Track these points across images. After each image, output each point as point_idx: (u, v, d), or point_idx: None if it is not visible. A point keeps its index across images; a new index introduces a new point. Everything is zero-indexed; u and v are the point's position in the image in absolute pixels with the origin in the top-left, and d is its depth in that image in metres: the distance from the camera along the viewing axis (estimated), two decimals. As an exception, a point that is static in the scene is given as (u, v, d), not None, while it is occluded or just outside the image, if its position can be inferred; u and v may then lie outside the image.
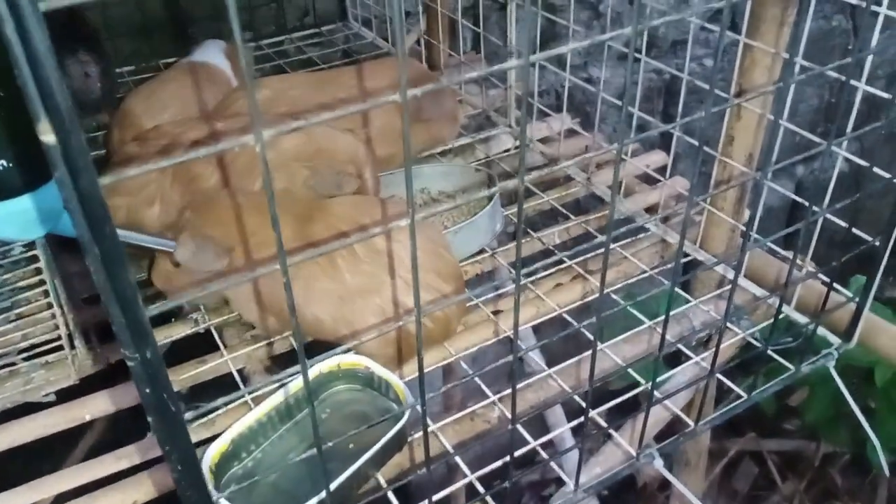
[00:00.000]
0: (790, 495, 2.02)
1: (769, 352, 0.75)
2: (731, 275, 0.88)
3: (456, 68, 1.25)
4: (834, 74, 0.61)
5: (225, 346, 0.81)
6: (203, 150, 0.28)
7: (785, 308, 0.82)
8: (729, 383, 0.75)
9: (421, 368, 0.43)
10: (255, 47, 1.42)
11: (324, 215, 0.73)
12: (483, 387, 0.75)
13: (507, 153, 1.13)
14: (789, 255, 0.88)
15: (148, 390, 0.33)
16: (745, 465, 2.13)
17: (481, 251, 0.92)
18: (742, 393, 0.72)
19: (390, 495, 0.62)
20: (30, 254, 0.79)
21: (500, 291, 0.88)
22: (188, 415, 0.35)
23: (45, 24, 0.24)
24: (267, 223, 0.68)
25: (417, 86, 0.33)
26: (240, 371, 0.79)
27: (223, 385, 0.80)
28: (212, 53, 1.08)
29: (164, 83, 1.03)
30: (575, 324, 0.73)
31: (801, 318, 0.81)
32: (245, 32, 1.45)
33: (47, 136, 0.26)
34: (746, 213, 0.89)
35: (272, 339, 0.80)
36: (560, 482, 0.70)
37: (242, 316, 0.80)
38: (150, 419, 0.34)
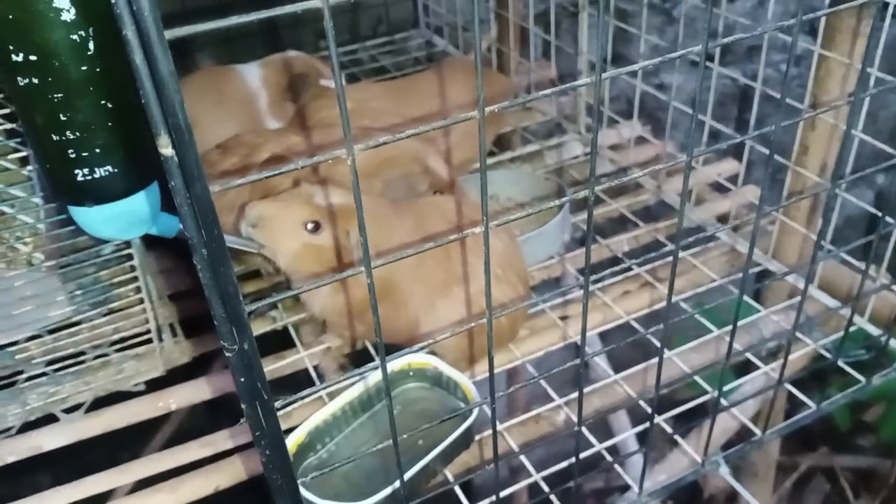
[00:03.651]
0: (864, 514, 1.96)
1: (840, 364, 0.75)
2: (802, 284, 0.88)
3: (527, 75, 1.27)
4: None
5: (301, 344, 0.85)
6: (301, 162, 0.31)
7: (858, 319, 0.81)
8: (798, 394, 0.74)
9: (491, 365, 0.45)
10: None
11: (437, 211, 0.77)
12: (549, 390, 0.77)
13: (576, 160, 1.14)
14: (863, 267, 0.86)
15: (243, 379, 0.36)
16: (817, 482, 2.07)
17: (549, 257, 0.93)
18: (811, 404, 0.72)
19: (457, 489, 0.64)
20: (124, 253, 0.84)
21: (567, 297, 0.89)
22: (278, 403, 0.38)
23: (169, 52, 0.27)
24: (384, 228, 0.71)
25: (494, 93, 0.35)
26: (315, 368, 0.83)
27: (298, 381, 0.84)
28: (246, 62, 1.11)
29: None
30: (642, 331, 0.74)
31: (875, 330, 0.80)
32: (320, 41, 1.49)
33: (166, 149, 0.29)
34: (820, 223, 0.88)
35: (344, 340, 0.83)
36: (623, 491, 0.71)
37: (330, 322, 0.82)
38: (243, 406, 0.37)
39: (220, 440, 0.76)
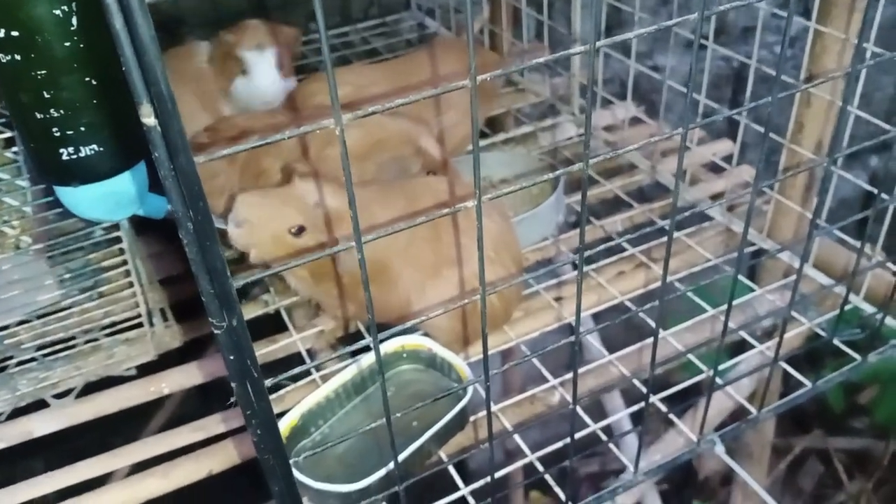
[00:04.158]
0: (857, 494, 1.97)
1: (836, 342, 0.74)
2: (797, 264, 0.87)
3: (519, 56, 1.25)
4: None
5: (294, 327, 0.84)
6: (287, 132, 0.30)
7: (853, 298, 0.81)
8: (794, 372, 0.74)
9: (485, 342, 0.44)
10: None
11: (429, 191, 0.76)
12: (543, 371, 0.77)
13: (570, 141, 1.14)
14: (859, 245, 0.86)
15: (232, 357, 0.35)
16: (811, 464, 2.08)
17: (542, 239, 0.93)
18: (806, 382, 0.72)
19: (451, 469, 0.64)
20: (112, 235, 0.83)
21: (561, 278, 0.89)
22: (268, 382, 0.37)
23: (150, 16, 0.26)
24: (373, 216, 0.70)
25: (488, 70, 0.35)
26: (308, 351, 0.82)
27: (291, 365, 0.83)
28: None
29: None
30: (636, 310, 0.73)
31: (870, 308, 0.80)
32: (310, 23, 1.48)
33: (149, 119, 0.28)
34: (815, 202, 0.88)
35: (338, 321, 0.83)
36: (618, 475, 0.70)
37: (323, 304, 0.81)
38: (233, 385, 0.37)
39: (212, 424, 0.75)
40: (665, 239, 0.90)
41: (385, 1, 1.54)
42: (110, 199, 0.56)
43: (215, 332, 0.35)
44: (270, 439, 0.39)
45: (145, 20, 0.26)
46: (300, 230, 0.68)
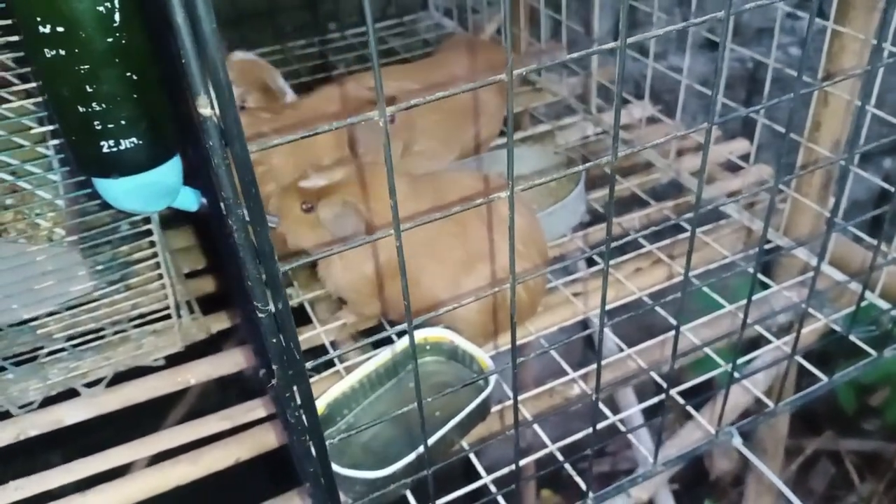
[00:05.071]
0: (868, 496, 1.97)
1: (851, 338, 0.75)
2: (814, 261, 0.88)
3: (537, 55, 1.27)
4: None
5: (317, 320, 0.86)
6: (336, 124, 0.32)
7: (869, 295, 0.82)
8: (810, 366, 0.75)
9: (513, 330, 0.45)
10: (340, 37, 1.47)
11: (456, 188, 0.78)
12: (563, 364, 0.78)
13: (587, 139, 1.15)
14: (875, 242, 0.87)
15: (274, 340, 0.37)
16: (822, 465, 2.08)
17: (566, 232, 0.94)
18: (822, 377, 0.72)
19: (472, 457, 0.65)
20: (142, 229, 0.84)
21: (578, 274, 0.90)
22: (309, 364, 0.39)
23: (212, 10, 0.28)
24: (406, 202, 0.71)
25: (502, 69, 0.36)
26: (331, 343, 0.84)
27: (314, 357, 0.85)
28: None
29: None
30: (652, 304, 0.74)
31: (885, 305, 0.81)
32: (330, 23, 1.50)
33: (205, 109, 0.30)
34: (832, 201, 0.89)
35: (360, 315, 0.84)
36: (628, 475, 0.71)
37: (349, 304, 0.83)
38: (275, 367, 0.38)
39: (240, 413, 0.77)
40: (681, 236, 0.92)
41: (402, 1, 1.55)
42: (147, 190, 0.58)
43: (259, 315, 0.36)
44: (309, 420, 0.40)
45: (208, 13, 0.28)
46: (309, 207, 0.75)
